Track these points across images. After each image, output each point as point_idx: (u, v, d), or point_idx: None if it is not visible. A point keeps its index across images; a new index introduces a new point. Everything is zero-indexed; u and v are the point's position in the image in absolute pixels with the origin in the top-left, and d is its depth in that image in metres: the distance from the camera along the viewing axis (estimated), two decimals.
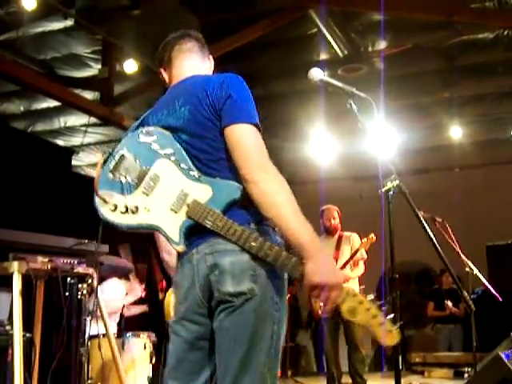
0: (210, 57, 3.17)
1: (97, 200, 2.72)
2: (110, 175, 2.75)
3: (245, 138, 2.61)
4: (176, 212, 2.62)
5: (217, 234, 2.57)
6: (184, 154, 2.70)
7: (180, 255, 2.72)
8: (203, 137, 2.70)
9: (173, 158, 2.69)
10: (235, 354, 2.55)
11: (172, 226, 2.62)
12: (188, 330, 2.70)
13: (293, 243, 2.48)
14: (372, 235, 7.66)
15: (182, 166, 2.67)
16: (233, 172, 2.62)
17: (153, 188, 2.68)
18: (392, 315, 2.53)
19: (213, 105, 2.68)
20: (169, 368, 2.77)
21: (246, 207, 2.60)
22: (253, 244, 2.50)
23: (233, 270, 2.54)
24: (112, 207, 2.68)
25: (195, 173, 2.65)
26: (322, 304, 7.84)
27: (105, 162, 2.80)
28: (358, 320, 2.47)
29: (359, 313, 2.45)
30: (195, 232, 2.62)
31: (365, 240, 7.78)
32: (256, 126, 2.65)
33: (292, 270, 2.49)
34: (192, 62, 3.02)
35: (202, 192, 2.61)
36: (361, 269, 7.90)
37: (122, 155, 2.77)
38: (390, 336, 2.52)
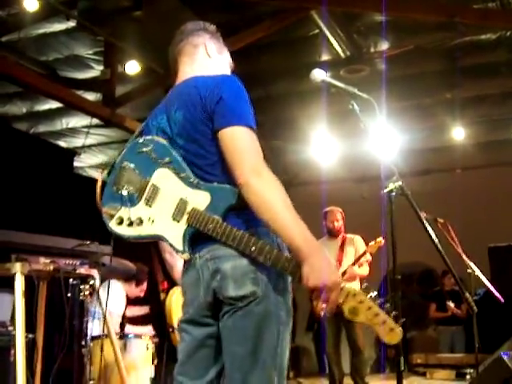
0: (223, 50, 3.14)
1: (104, 215, 2.77)
2: (113, 188, 2.79)
3: (237, 141, 2.59)
4: (178, 221, 2.64)
5: (217, 240, 2.58)
6: (181, 161, 2.70)
7: (185, 260, 2.74)
8: (198, 141, 2.70)
9: (171, 167, 2.70)
10: (241, 353, 2.57)
11: (175, 235, 2.65)
12: (197, 330, 2.73)
13: (289, 246, 2.49)
14: (380, 238, 7.62)
15: (181, 173, 2.68)
16: (229, 176, 2.62)
17: (154, 198, 2.71)
18: (394, 313, 2.52)
19: (205, 108, 2.66)
20: (178, 364, 2.79)
21: (243, 211, 2.59)
22: (252, 249, 2.51)
23: (234, 275, 2.56)
24: (118, 220, 2.73)
25: (193, 179, 2.66)
26: (323, 305, 7.88)
27: (108, 174, 2.84)
28: (360, 319, 2.47)
29: (361, 312, 2.46)
30: (197, 238, 2.64)
31: (372, 243, 7.75)
32: (249, 127, 2.63)
33: (292, 272, 2.51)
34: (194, 66, 2.99)
35: (200, 199, 2.62)
36: (366, 269, 7.89)
37: (123, 167, 2.80)
38: (392, 334, 2.53)
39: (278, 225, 2.48)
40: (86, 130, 11.33)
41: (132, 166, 2.77)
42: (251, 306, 2.54)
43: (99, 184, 2.83)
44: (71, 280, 4.93)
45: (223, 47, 3.15)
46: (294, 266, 2.48)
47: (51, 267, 4.63)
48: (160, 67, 9.60)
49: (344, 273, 7.74)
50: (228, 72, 3.10)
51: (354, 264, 7.80)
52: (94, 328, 5.24)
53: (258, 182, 2.50)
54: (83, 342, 5.28)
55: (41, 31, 9.11)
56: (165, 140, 2.77)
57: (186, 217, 2.63)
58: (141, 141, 2.81)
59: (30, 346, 4.87)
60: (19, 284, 4.35)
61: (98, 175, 2.85)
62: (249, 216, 2.60)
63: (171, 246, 2.67)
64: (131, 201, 2.73)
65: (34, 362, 4.93)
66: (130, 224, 2.70)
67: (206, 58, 3.02)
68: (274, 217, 2.48)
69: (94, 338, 5.64)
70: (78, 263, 4.87)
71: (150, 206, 2.70)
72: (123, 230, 2.73)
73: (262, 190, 2.49)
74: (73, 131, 11.89)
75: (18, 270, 4.35)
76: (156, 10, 8.36)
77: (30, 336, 4.93)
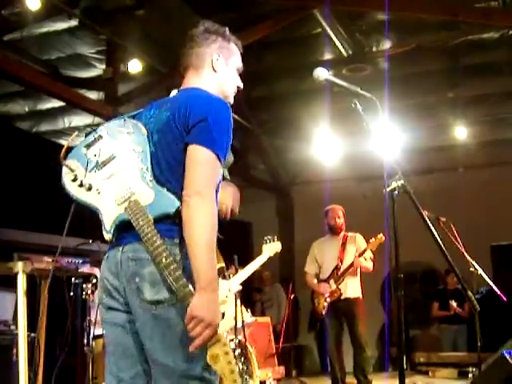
0: (230, 58, 3.15)
1: (64, 166, 2.86)
2: (84, 150, 2.91)
3: (199, 161, 2.68)
4: (118, 204, 2.72)
5: (140, 240, 2.65)
6: (148, 156, 2.79)
7: (108, 246, 2.83)
8: (169, 145, 2.78)
9: (137, 156, 2.79)
10: (155, 354, 2.68)
11: (110, 214, 2.75)
12: (118, 317, 2.79)
13: (194, 272, 2.55)
14: (381, 235, 7.62)
15: (141, 165, 2.77)
16: (181, 187, 2.69)
17: (111, 176, 2.80)
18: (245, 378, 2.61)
19: (186, 120, 2.74)
20: (107, 356, 2.87)
21: (176, 223, 2.67)
22: (163, 260, 2.57)
23: (152, 280, 2.63)
24: (73, 177, 2.83)
25: (148, 176, 2.74)
26: (325, 304, 7.89)
27: (86, 135, 2.97)
28: (217, 368, 2.52)
29: (220, 362, 2.50)
30: (126, 229, 2.71)
31: (373, 240, 7.75)
32: (217, 156, 2.70)
33: (182, 297, 2.55)
34: (198, 79, 3.05)
35: (145, 195, 2.70)
36: (370, 264, 7.88)
37: (100, 136, 2.92)
38: None
39: (193, 250, 2.56)
40: (88, 128, 11.33)
41: (108, 138, 2.90)
42: (165, 311, 2.62)
43: (72, 137, 3.05)
44: (73, 279, 4.93)
45: (232, 52, 3.17)
46: (186, 293, 2.54)
47: (53, 266, 4.63)
48: (162, 66, 9.61)
49: (351, 264, 7.74)
50: (232, 85, 3.15)
51: (359, 256, 7.79)
52: (96, 327, 5.24)
53: (197, 204, 2.59)
54: (86, 341, 5.29)
55: (43, 30, 9.12)
56: (146, 132, 2.87)
57: (125, 204, 2.70)
58: (125, 120, 2.94)
59: (33, 345, 4.88)
60: (21, 283, 4.36)
61: (75, 136, 3.04)
62: (179, 229, 2.67)
63: (101, 221, 2.76)
64: (92, 166, 2.84)
65: (37, 360, 4.92)
66: (81, 185, 2.81)
67: (210, 73, 3.07)
68: (193, 241, 2.57)
69: (96, 337, 5.63)
70: (80, 262, 4.87)
71: (104, 180, 2.79)
72: (72, 188, 2.83)
73: (197, 212, 2.58)
74: (75, 130, 11.84)
75: (21, 269, 4.36)
76: (158, 9, 8.37)
77: (33, 335, 4.94)
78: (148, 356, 2.72)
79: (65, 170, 2.86)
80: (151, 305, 2.63)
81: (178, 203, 2.65)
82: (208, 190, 2.64)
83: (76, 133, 2.98)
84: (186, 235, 2.60)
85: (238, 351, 6.26)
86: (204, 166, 2.67)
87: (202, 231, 2.57)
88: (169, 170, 2.76)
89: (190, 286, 2.54)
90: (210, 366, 2.52)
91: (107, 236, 2.75)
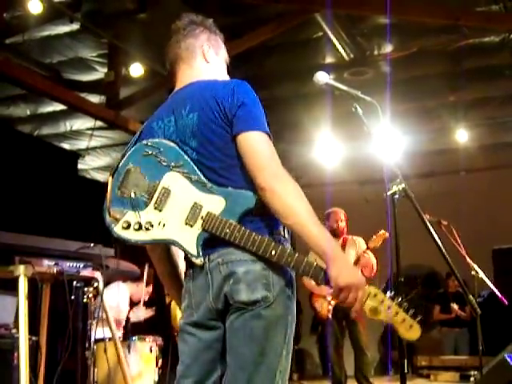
0: (220, 49, 3.12)
1: (107, 219, 2.70)
2: (119, 192, 2.71)
3: (259, 146, 2.61)
4: (191, 226, 2.61)
5: (228, 244, 2.58)
6: (193, 165, 2.67)
7: (192, 264, 2.70)
8: (214, 143, 2.68)
9: (182, 170, 2.66)
10: (248, 354, 2.58)
11: (189, 240, 2.62)
12: (204, 333, 2.72)
13: (314, 249, 2.51)
14: (383, 231, 7.58)
15: (193, 177, 2.65)
16: (246, 180, 2.62)
17: (165, 203, 2.65)
18: (411, 311, 2.57)
19: (224, 112, 2.66)
20: (182, 366, 2.78)
21: (260, 216, 2.61)
22: (273, 253, 2.52)
23: (247, 279, 2.56)
24: (125, 224, 2.66)
25: (206, 184, 2.63)
26: (330, 307, 7.87)
27: (112, 177, 2.75)
28: (381, 318, 2.53)
29: (381, 311, 2.51)
30: (208, 243, 2.63)
31: (374, 237, 7.72)
32: (267, 134, 2.66)
33: (313, 275, 2.54)
34: (192, 72, 2.98)
35: (215, 203, 2.60)
36: (374, 260, 7.86)
37: (128, 170, 2.72)
38: (412, 331, 2.62)
39: (304, 230, 2.51)
40: (89, 132, 11.34)
41: (138, 168, 2.71)
42: (261, 309, 2.56)
43: (109, 187, 2.74)
44: (75, 283, 4.92)
45: (220, 44, 3.13)
46: (315, 269, 2.53)
47: (55, 270, 4.63)
48: (164, 69, 9.59)
49: (358, 259, 7.73)
50: (225, 73, 3.10)
51: (357, 262, 7.78)
52: (97, 330, 5.23)
53: (281, 188, 2.52)
54: (87, 345, 5.28)
55: (45, 33, 9.12)
56: (173, 143, 2.73)
57: (200, 221, 2.60)
58: (146, 143, 2.76)
59: (34, 349, 4.87)
60: (23, 286, 4.35)
61: (108, 179, 2.75)
62: (265, 221, 2.63)
63: (184, 250, 2.65)
64: (139, 204, 2.67)
65: (38, 364, 4.92)
66: (139, 228, 2.64)
67: (203, 63, 3.01)
68: (299, 222, 2.51)
69: (97, 341, 5.63)
70: (81, 266, 4.87)
71: (160, 211, 2.65)
72: (130, 235, 2.66)
73: (286, 195, 2.51)
74: (77, 133, 11.90)
75: (22, 273, 4.35)
76: (160, 13, 8.37)
77: (34, 339, 4.93)
78: (235, 360, 2.63)
79: (109, 221, 2.69)
80: (247, 306, 2.56)
81: (254, 194, 2.58)
82: (279, 168, 2.58)
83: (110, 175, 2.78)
84: (286, 221, 2.54)
85: None
86: (263, 148, 2.62)
87: (301, 209, 2.52)
88: (225, 169, 2.67)
89: (315, 261, 2.53)
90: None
91: (198, 261, 2.63)
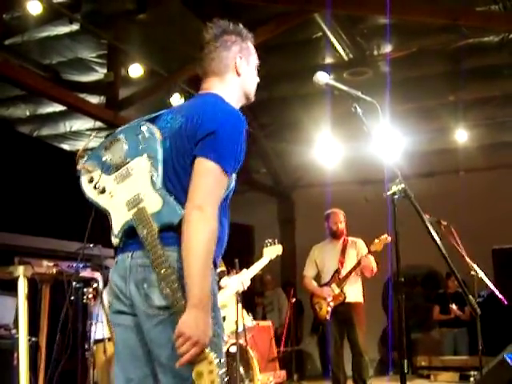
0: (250, 57, 3.17)
1: (82, 168, 2.93)
2: (102, 151, 2.91)
3: (203, 175, 2.66)
4: (128, 210, 2.74)
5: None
6: (160, 163, 2.77)
7: (116, 251, 2.84)
8: (179, 155, 2.76)
9: (150, 162, 2.77)
10: (162, 359, 2.67)
11: (119, 219, 2.78)
12: (126, 319, 2.79)
13: (187, 287, 2.54)
14: (385, 235, 7.55)
15: (153, 172, 2.74)
16: (186, 198, 2.68)
17: (123, 180, 2.81)
18: None
19: (196, 131, 2.72)
20: (116, 357, 2.88)
21: (176, 235, 2.65)
22: (162, 271, 2.59)
23: (160, 285, 2.62)
24: (90, 178, 2.90)
25: (158, 183, 2.72)
26: (329, 309, 7.87)
27: (106, 136, 2.96)
28: None
29: (204, 380, 2.50)
30: (133, 235, 2.71)
31: (376, 241, 7.70)
32: (223, 170, 2.68)
33: (176, 311, 2.56)
34: (209, 84, 3.03)
35: (153, 203, 2.69)
36: (375, 264, 7.84)
37: (118, 139, 2.90)
38: None
39: (188, 265, 2.55)
40: (89, 132, 11.35)
41: (124, 142, 2.88)
42: (175, 317, 2.57)
43: (84, 146, 3.04)
44: (74, 283, 4.92)
45: (250, 50, 3.19)
46: (180, 307, 2.54)
47: (54, 270, 4.63)
48: (163, 70, 9.61)
49: (358, 262, 7.71)
50: (252, 87, 3.17)
51: (357, 266, 7.77)
52: (97, 331, 5.24)
53: (196, 218, 2.58)
54: (86, 345, 5.28)
55: (44, 34, 9.13)
56: (160, 137, 2.84)
57: (134, 210, 2.72)
58: (143, 125, 2.90)
59: (33, 349, 4.88)
60: (22, 287, 4.35)
61: (90, 138, 3.06)
62: (176, 242, 2.66)
63: (111, 225, 2.79)
64: (107, 169, 2.86)
65: (37, 364, 4.93)
66: (95, 187, 2.86)
67: (234, 77, 3.06)
68: (189, 258, 2.55)
69: (97, 341, 5.63)
70: (81, 266, 4.87)
71: (117, 184, 2.82)
72: (88, 189, 2.90)
73: (195, 227, 2.57)
74: (76, 134, 11.91)
75: (22, 273, 4.36)
76: (159, 14, 8.37)
77: (33, 339, 4.94)
78: (155, 360, 2.71)
79: (82, 171, 2.92)
80: (159, 310, 2.63)
81: (181, 213, 2.63)
82: (209, 204, 2.61)
83: (94, 134, 2.96)
84: (182, 249, 2.58)
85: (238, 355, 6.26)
86: (207, 179, 2.65)
87: (198, 248, 2.55)
88: (177, 179, 2.74)
89: (183, 302, 2.54)
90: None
91: (115, 240, 2.78)
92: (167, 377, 2.67)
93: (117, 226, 2.77)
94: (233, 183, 2.85)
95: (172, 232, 2.66)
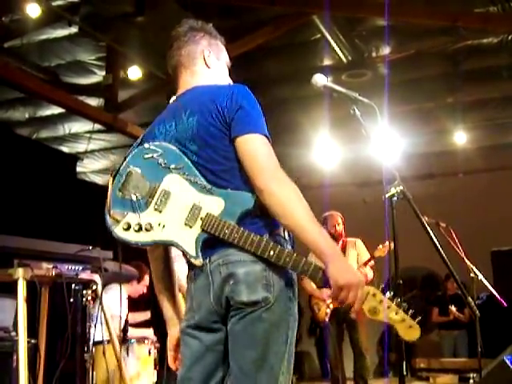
0: (221, 53, 3.14)
1: (108, 220, 2.71)
2: (120, 194, 2.74)
3: (258, 149, 2.64)
4: (191, 226, 2.64)
5: (228, 245, 2.60)
6: (192, 167, 2.70)
7: (193, 265, 2.72)
8: (213, 146, 2.70)
9: (182, 173, 2.69)
10: (250, 358, 2.60)
11: (188, 241, 2.65)
12: (206, 336, 2.73)
13: (312, 249, 2.53)
14: (387, 243, 7.55)
15: (192, 179, 2.67)
16: (244, 182, 2.65)
17: (165, 204, 2.68)
18: (411, 312, 2.58)
19: (223, 115, 2.69)
20: (185, 369, 2.79)
21: (259, 217, 2.64)
22: (271, 253, 2.54)
23: (247, 280, 2.57)
24: (125, 226, 2.68)
25: (206, 185, 2.66)
26: (328, 310, 7.87)
27: (113, 179, 2.78)
28: (381, 318, 2.55)
29: (380, 311, 2.53)
30: (208, 243, 2.65)
31: (380, 247, 7.71)
32: (266, 136, 2.69)
33: (311, 275, 2.55)
34: (194, 78, 3.01)
35: (214, 204, 2.63)
36: (371, 273, 7.88)
37: (129, 172, 2.75)
38: (411, 331, 2.61)
39: (302, 231, 2.53)
40: (88, 135, 11.34)
41: (139, 171, 2.74)
42: (263, 312, 2.57)
43: (110, 188, 2.77)
44: (73, 285, 4.92)
45: (220, 47, 3.16)
46: (313, 269, 2.54)
47: (53, 272, 4.63)
48: (162, 72, 9.61)
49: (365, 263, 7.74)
50: (227, 77, 3.13)
51: (365, 265, 7.79)
52: (96, 333, 5.23)
53: (280, 189, 2.56)
54: (86, 348, 5.28)
55: (43, 37, 9.13)
56: (174, 146, 2.76)
57: (199, 222, 2.63)
58: (147, 146, 2.78)
59: (33, 352, 4.87)
60: (21, 289, 4.35)
61: (109, 181, 2.78)
62: (264, 222, 2.65)
63: (183, 251, 2.67)
64: (140, 206, 2.70)
65: (37, 367, 4.92)
66: (139, 229, 2.67)
67: (204, 69, 3.04)
68: (297, 223, 2.53)
69: (96, 344, 5.63)
70: (80, 268, 4.87)
71: (160, 212, 2.68)
72: (131, 236, 2.69)
73: (284, 196, 2.55)
74: (75, 136, 11.90)
75: (21, 276, 4.35)
76: (158, 16, 8.36)
77: (33, 341, 4.93)
78: (232, 357, 2.66)
79: (110, 223, 2.71)
80: (247, 306, 2.58)
81: (253, 195, 2.61)
82: (278, 170, 2.62)
83: (111, 176, 2.81)
84: (285, 221, 2.57)
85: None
86: (262, 150, 2.65)
87: (300, 210, 2.55)
88: (225, 171, 2.70)
89: (314, 261, 2.55)
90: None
91: (197, 261, 2.65)
92: (251, 378, 2.60)
93: (190, 247, 2.65)
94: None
95: (255, 220, 2.64)
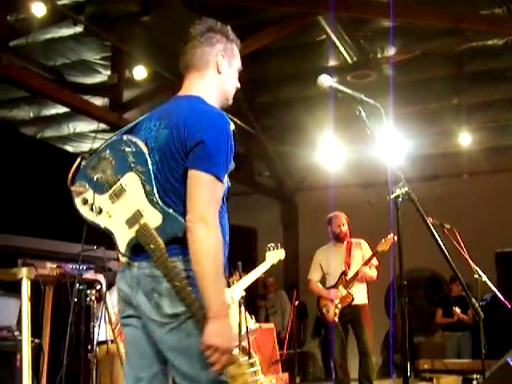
0: (233, 59, 3.13)
1: (73, 192, 2.91)
2: (89, 171, 2.91)
3: (200, 188, 2.69)
4: (129, 227, 2.77)
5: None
6: (152, 176, 2.77)
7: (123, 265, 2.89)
8: (170, 166, 2.78)
9: (141, 177, 2.78)
10: (181, 368, 2.75)
11: (122, 238, 2.80)
12: (137, 321, 2.86)
13: (203, 299, 2.62)
14: (391, 235, 7.53)
15: (147, 187, 2.76)
16: (185, 210, 2.73)
17: (118, 198, 2.82)
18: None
19: (184, 143, 2.74)
20: (126, 357, 2.98)
21: (183, 247, 2.70)
22: (176, 284, 2.64)
23: (170, 294, 2.68)
24: (83, 200, 2.90)
25: (154, 197, 2.74)
26: (336, 311, 7.85)
27: (90, 155, 2.95)
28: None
29: (237, 379, 2.65)
30: (139, 249, 2.75)
31: (383, 241, 7.70)
32: (217, 177, 2.72)
33: (198, 321, 2.64)
34: (202, 82, 3.02)
35: (153, 218, 2.72)
36: (375, 272, 7.86)
37: (103, 156, 2.89)
38: None
39: (203, 279, 2.63)
40: (93, 134, 11.34)
41: (111, 158, 2.87)
42: (184, 324, 2.69)
43: (74, 166, 2.96)
44: (77, 285, 4.92)
45: (235, 52, 3.14)
46: (201, 317, 2.62)
47: (57, 272, 4.63)
48: (167, 72, 9.61)
49: (356, 273, 7.72)
50: (232, 85, 3.13)
51: (365, 264, 7.78)
52: (100, 333, 5.23)
53: (203, 234, 2.63)
54: (89, 347, 5.28)
55: (48, 36, 9.14)
56: (146, 148, 2.84)
57: (136, 227, 2.74)
58: (125, 139, 2.88)
59: (36, 351, 4.87)
60: (25, 289, 4.35)
61: (83, 156, 2.97)
62: (184, 254, 2.71)
63: (116, 244, 2.82)
64: (99, 188, 2.86)
65: (40, 366, 4.92)
66: (91, 209, 2.86)
67: (214, 75, 3.04)
68: (202, 273, 2.63)
69: (100, 343, 5.63)
70: (84, 268, 4.87)
71: (112, 202, 2.83)
72: (84, 211, 2.89)
73: (203, 244, 2.63)
74: (80, 136, 11.91)
75: (25, 275, 4.36)
76: (163, 16, 8.36)
77: (37, 341, 4.93)
78: (170, 364, 2.79)
79: (74, 193, 2.92)
80: (171, 318, 2.69)
81: (184, 225, 2.68)
82: (210, 215, 2.67)
83: (80, 156, 2.96)
84: (192, 262, 2.65)
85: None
86: (204, 191, 2.69)
87: (207, 259, 2.62)
88: (173, 191, 2.78)
89: (203, 311, 2.62)
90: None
91: (123, 259, 2.84)
92: (186, 382, 2.75)
93: (122, 244, 2.80)
94: (227, 182, 2.87)
95: (175, 244, 2.71)
